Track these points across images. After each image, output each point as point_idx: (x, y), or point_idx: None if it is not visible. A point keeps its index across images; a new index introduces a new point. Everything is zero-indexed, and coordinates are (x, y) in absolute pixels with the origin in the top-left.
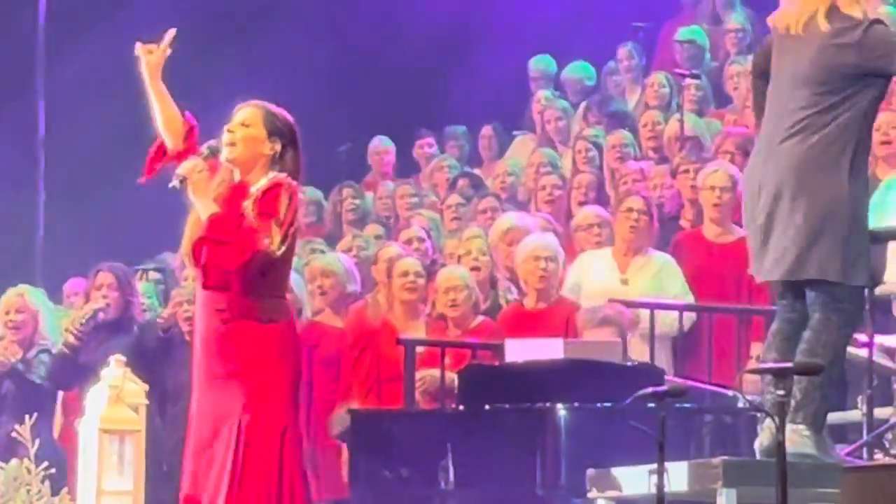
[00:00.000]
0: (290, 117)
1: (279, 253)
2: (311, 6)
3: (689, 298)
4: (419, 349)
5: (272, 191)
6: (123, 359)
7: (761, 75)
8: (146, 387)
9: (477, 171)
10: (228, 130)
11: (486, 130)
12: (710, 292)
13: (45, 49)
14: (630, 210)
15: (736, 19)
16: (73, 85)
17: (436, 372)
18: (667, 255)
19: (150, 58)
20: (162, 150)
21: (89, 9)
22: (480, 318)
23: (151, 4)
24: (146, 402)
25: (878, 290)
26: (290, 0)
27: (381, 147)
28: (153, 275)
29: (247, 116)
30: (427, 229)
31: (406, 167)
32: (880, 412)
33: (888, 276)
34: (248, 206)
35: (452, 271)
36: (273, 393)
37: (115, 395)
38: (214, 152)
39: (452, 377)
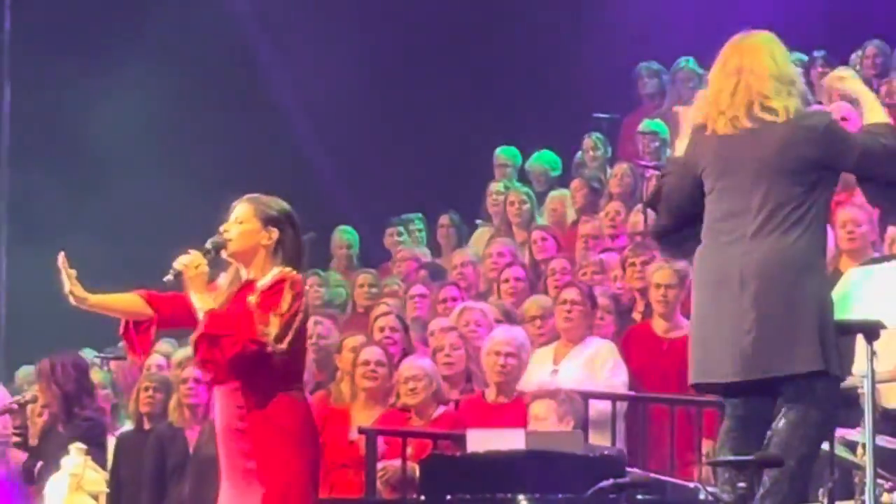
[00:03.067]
0: (283, 202)
1: (281, 346)
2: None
3: (619, 381)
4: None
5: (277, 286)
6: (83, 447)
7: (685, 175)
8: (106, 475)
9: (438, 261)
10: (224, 230)
11: (444, 219)
12: (657, 387)
13: None
14: (564, 302)
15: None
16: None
17: (398, 462)
18: (606, 343)
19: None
20: (141, 326)
21: None
22: (443, 408)
23: None
24: (106, 490)
25: (844, 383)
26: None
27: (344, 235)
28: (114, 364)
29: (239, 213)
30: (403, 319)
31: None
32: None
33: (856, 368)
34: (252, 300)
35: (413, 361)
36: (291, 490)
37: (75, 484)
38: (217, 248)
39: (414, 467)
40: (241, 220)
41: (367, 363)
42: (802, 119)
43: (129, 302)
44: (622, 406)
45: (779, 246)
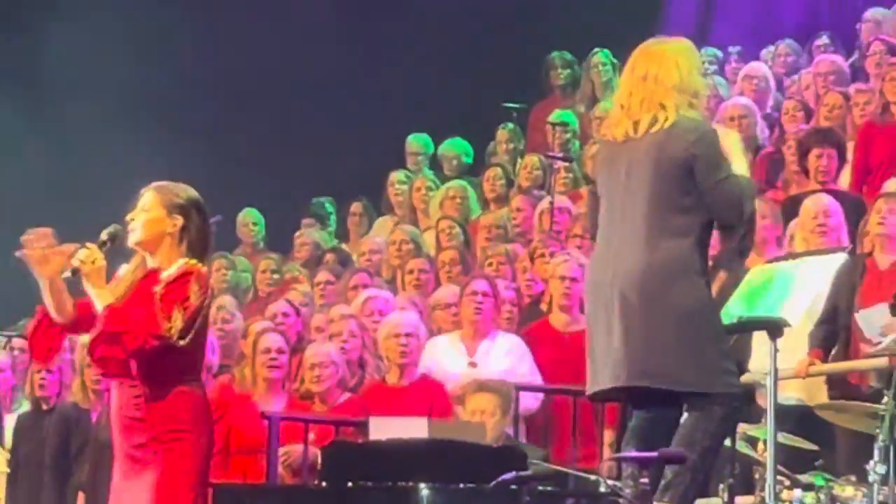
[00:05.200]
0: (191, 190)
1: (183, 340)
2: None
3: (538, 378)
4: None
5: (182, 278)
6: None
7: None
8: (7, 454)
9: (345, 247)
10: (130, 219)
11: (355, 206)
12: (559, 381)
13: None
14: (474, 293)
15: (604, 107)
16: None
17: (300, 447)
18: (515, 337)
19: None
20: (51, 329)
21: None
22: (347, 394)
23: None
24: (6, 469)
25: (743, 379)
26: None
27: (249, 219)
28: (17, 342)
29: (145, 202)
30: (298, 305)
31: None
32: (741, 500)
33: (752, 365)
34: (157, 291)
35: (319, 347)
36: (182, 481)
37: None
38: (113, 238)
39: (316, 453)
40: (147, 208)
41: (267, 350)
42: (682, 126)
43: (66, 299)
44: (537, 401)
45: (654, 254)
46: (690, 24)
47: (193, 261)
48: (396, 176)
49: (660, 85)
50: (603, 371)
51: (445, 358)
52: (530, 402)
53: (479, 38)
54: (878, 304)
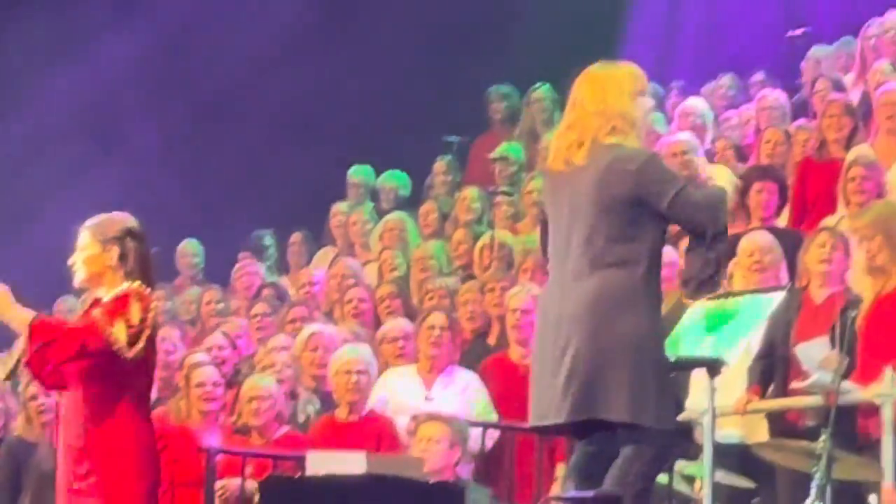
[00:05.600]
0: (125, 219)
1: (129, 352)
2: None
3: (493, 417)
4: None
5: (122, 297)
6: None
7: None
8: None
9: (285, 279)
10: (71, 263)
11: (295, 237)
12: (516, 415)
13: None
14: (432, 327)
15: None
16: None
17: (237, 481)
18: (471, 374)
19: None
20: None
21: None
22: (285, 428)
23: None
24: None
25: (681, 417)
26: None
27: (189, 250)
28: None
29: (80, 242)
30: (233, 337)
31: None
32: None
33: (690, 403)
34: (96, 313)
35: (257, 381)
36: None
37: None
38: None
39: (254, 487)
40: (83, 247)
41: (202, 384)
42: (622, 157)
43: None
44: (490, 437)
45: (599, 284)
46: (649, 59)
47: (136, 283)
48: (339, 207)
49: (589, 113)
50: (548, 404)
51: (402, 391)
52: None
53: (426, 69)
54: (817, 338)
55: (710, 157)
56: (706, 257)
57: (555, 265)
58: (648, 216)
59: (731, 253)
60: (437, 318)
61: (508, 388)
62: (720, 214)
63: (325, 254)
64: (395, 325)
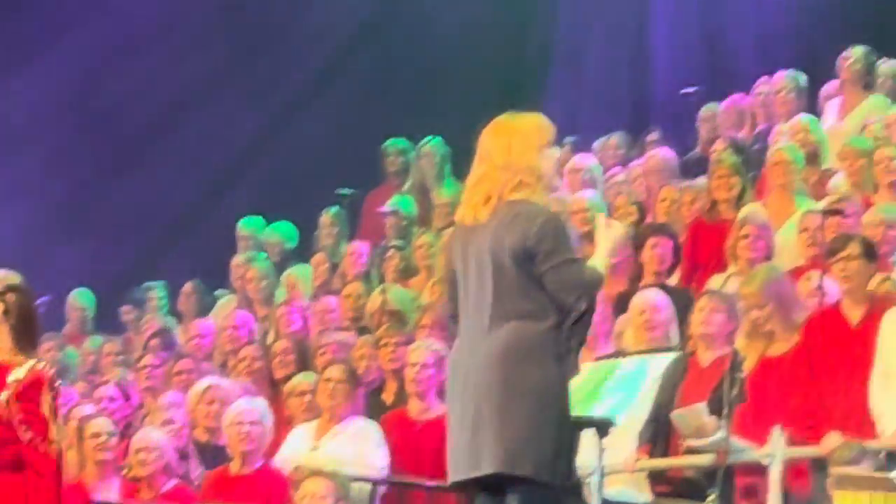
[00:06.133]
0: (5, 276)
1: (43, 446)
2: None
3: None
4: None
5: (33, 388)
6: None
7: (449, 267)
8: None
9: (177, 330)
10: None
11: (187, 287)
12: (412, 471)
13: None
14: (328, 380)
15: (444, 194)
16: None
17: None
18: (369, 422)
19: None
20: None
21: None
22: (174, 481)
23: None
24: None
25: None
26: None
27: (80, 300)
28: None
29: None
30: (124, 388)
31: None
32: None
33: (579, 460)
34: (5, 398)
35: (146, 433)
36: None
37: None
38: None
39: None
40: None
41: (97, 435)
42: (524, 213)
43: None
44: (382, 488)
45: (503, 338)
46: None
47: (41, 364)
48: (237, 259)
49: (494, 167)
50: (458, 460)
51: (291, 443)
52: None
53: (322, 120)
54: (694, 405)
55: (611, 212)
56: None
57: (465, 320)
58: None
59: (623, 309)
60: (334, 371)
61: (405, 443)
62: (591, 301)
63: (226, 303)
64: (303, 378)
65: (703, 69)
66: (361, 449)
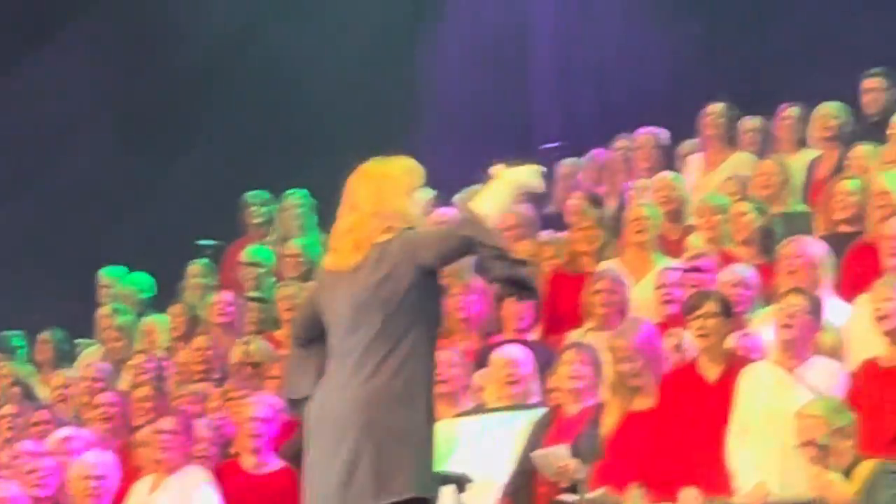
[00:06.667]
0: None
1: None
2: None
3: None
4: None
5: None
6: None
7: (311, 304)
8: None
9: (36, 379)
10: None
11: (44, 336)
12: None
13: None
14: (160, 431)
15: (293, 245)
16: None
17: None
18: (199, 472)
19: None
20: None
21: None
22: None
23: None
24: None
25: None
26: None
27: None
28: None
29: None
30: None
31: None
32: None
33: None
34: None
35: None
36: None
37: None
38: None
39: None
40: None
41: None
42: (386, 249)
43: None
44: None
45: (373, 386)
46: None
47: None
48: (102, 310)
49: (362, 212)
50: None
51: (133, 497)
52: None
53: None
54: (556, 446)
55: None
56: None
57: (335, 365)
58: (423, 313)
59: (484, 363)
60: (166, 423)
61: (239, 494)
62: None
63: (93, 352)
64: (147, 430)
65: (563, 123)
66: (193, 499)
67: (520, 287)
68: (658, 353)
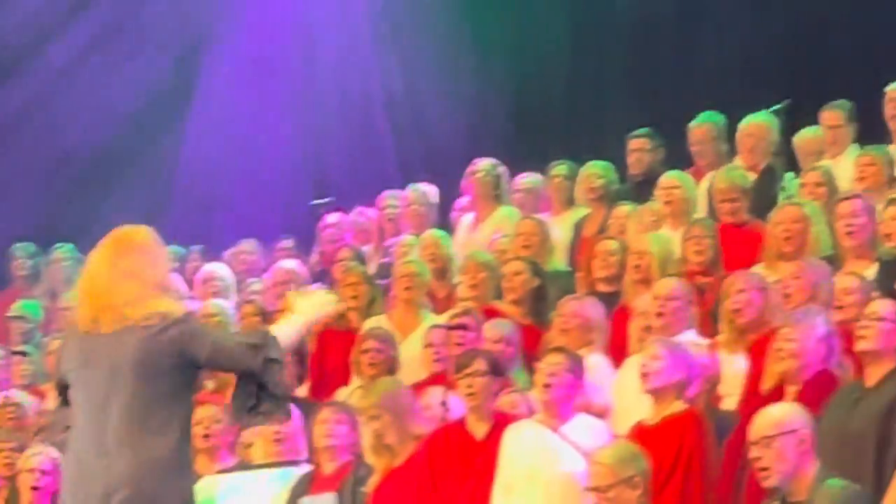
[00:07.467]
0: None
1: None
2: None
3: None
4: None
5: None
6: None
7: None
8: None
9: None
10: None
11: None
12: None
13: None
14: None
15: (69, 298)
16: None
17: None
18: None
19: None
20: None
21: None
22: None
23: None
24: None
25: None
26: None
27: None
28: None
29: None
30: None
31: None
32: None
33: None
34: None
35: None
36: None
37: None
38: None
39: None
40: None
41: None
42: (159, 322)
43: None
44: None
45: (142, 455)
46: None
47: None
48: None
49: (110, 278)
50: None
51: None
52: None
53: None
54: (324, 494)
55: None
56: (249, 390)
57: (90, 430)
58: (183, 382)
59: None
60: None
61: None
62: (260, 352)
63: None
64: None
65: (332, 179)
66: None
67: (272, 409)
68: (406, 410)
